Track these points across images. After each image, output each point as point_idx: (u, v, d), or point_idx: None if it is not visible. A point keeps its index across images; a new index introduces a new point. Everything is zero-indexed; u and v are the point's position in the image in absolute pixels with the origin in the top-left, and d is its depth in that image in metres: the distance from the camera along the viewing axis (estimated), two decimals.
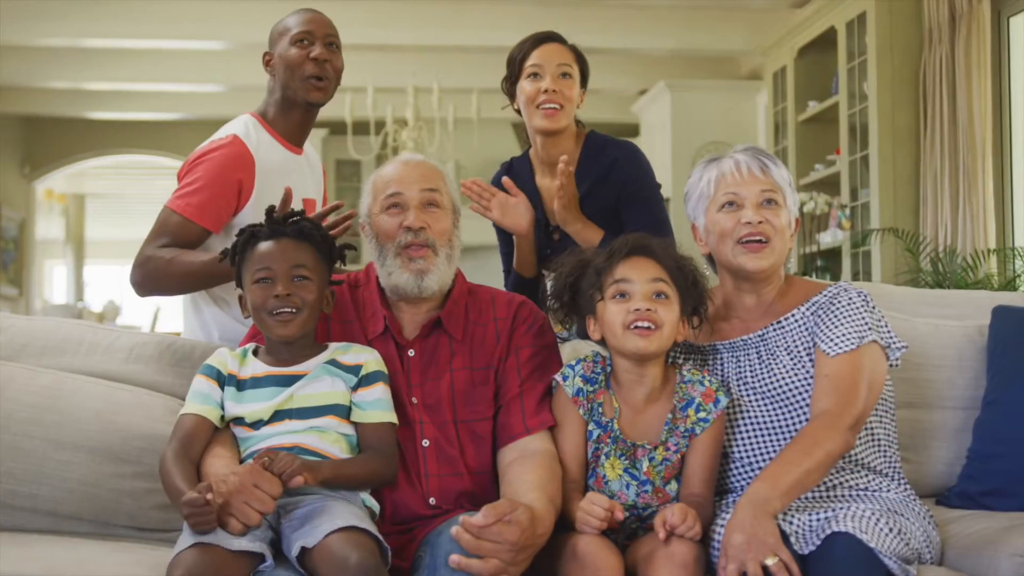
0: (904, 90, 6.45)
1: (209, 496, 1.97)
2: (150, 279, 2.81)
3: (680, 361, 2.46)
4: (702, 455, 2.31)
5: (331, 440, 2.24)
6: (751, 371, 2.40)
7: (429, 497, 2.32)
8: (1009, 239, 6.01)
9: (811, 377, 2.33)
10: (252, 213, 2.83)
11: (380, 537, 2.04)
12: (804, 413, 2.32)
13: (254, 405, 2.25)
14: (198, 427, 2.23)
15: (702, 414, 2.31)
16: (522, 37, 3.18)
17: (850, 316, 2.33)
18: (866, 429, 2.36)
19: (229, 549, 1.96)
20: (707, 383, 2.34)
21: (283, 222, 2.32)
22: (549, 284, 2.48)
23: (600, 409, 2.34)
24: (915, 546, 2.19)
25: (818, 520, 2.16)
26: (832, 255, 7.39)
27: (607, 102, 10.70)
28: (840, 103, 7.00)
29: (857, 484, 2.31)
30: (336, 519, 2.01)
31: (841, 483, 2.31)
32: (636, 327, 2.26)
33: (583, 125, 3.20)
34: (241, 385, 2.28)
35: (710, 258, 2.50)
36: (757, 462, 2.34)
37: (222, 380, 2.29)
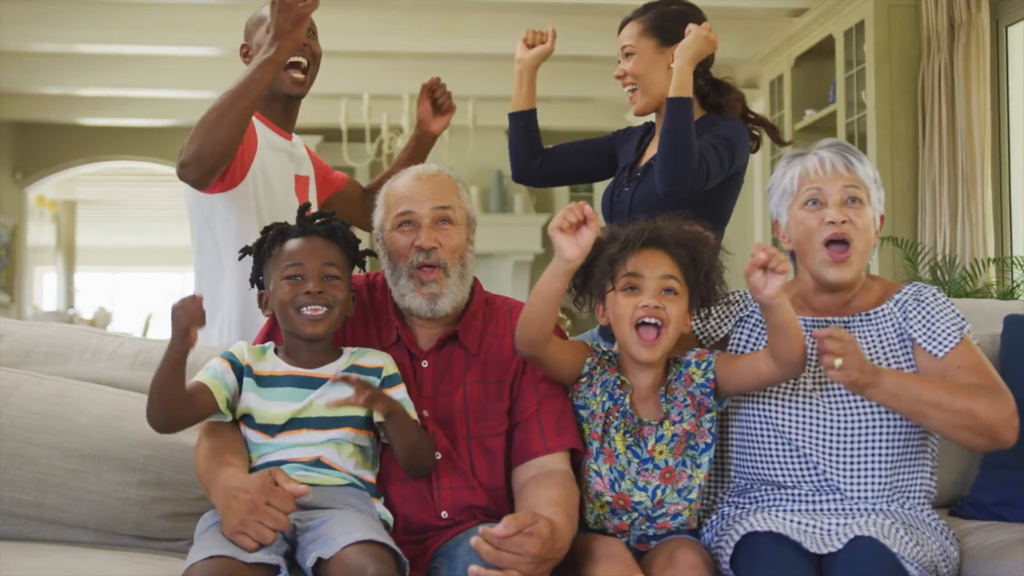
0: (902, 99, 6.44)
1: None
2: (199, 137, 2.64)
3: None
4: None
5: (348, 453, 2.22)
6: None
7: (441, 510, 2.29)
8: (1008, 248, 6.00)
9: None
10: (253, 185, 2.83)
11: (398, 550, 2.01)
12: (870, 413, 2.30)
13: (273, 404, 2.21)
14: (200, 391, 2.19)
15: (703, 365, 2.34)
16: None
17: (944, 311, 2.36)
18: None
19: (244, 562, 1.94)
20: (697, 350, 2.38)
21: (313, 221, 2.31)
22: None
23: (617, 381, 2.35)
24: (932, 558, 2.19)
25: (837, 525, 2.18)
26: None
27: (601, 110, 10.69)
28: (838, 112, 6.99)
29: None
30: (354, 532, 1.98)
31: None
32: (644, 323, 2.26)
33: (706, 109, 3.18)
34: (260, 381, 2.24)
35: (792, 254, 2.48)
36: (809, 455, 2.30)
37: (238, 369, 2.24)
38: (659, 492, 2.28)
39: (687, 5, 3.20)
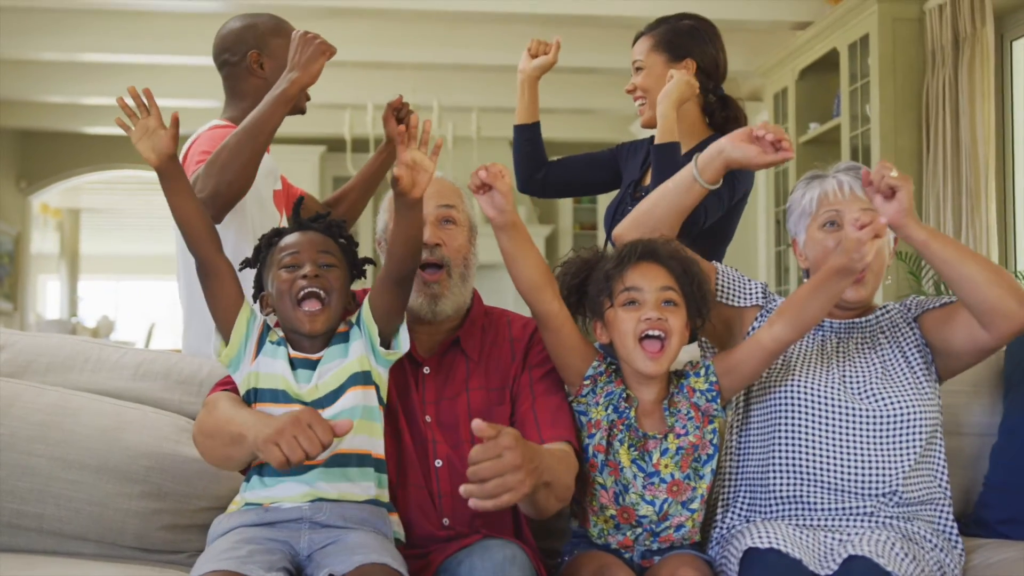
0: (907, 113, 6.43)
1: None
2: (214, 177, 2.65)
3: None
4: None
5: (367, 432, 2.20)
6: (856, 348, 2.44)
7: (443, 518, 2.28)
8: (1012, 262, 6.00)
9: (911, 376, 2.38)
10: (250, 204, 2.84)
11: None
12: (892, 403, 2.33)
13: (303, 386, 2.20)
14: (237, 284, 2.24)
15: (702, 372, 2.36)
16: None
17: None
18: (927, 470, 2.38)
19: None
20: (691, 362, 2.39)
21: (311, 221, 2.31)
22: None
23: (623, 395, 2.36)
24: (929, 573, 2.19)
25: (835, 541, 2.20)
26: None
27: (605, 122, 10.71)
28: (842, 125, 6.97)
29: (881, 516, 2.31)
30: (372, 554, 1.99)
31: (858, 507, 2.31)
32: (648, 336, 2.28)
33: (712, 129, 3.18)
34: (292, 363, 2.22)
35: (807, 272, 2.53)
36: (843, 430, 2.32)
37: (265, 331, 2.24)
38: (665, 505, 2.29)
39: (699, 20, 3.20)
